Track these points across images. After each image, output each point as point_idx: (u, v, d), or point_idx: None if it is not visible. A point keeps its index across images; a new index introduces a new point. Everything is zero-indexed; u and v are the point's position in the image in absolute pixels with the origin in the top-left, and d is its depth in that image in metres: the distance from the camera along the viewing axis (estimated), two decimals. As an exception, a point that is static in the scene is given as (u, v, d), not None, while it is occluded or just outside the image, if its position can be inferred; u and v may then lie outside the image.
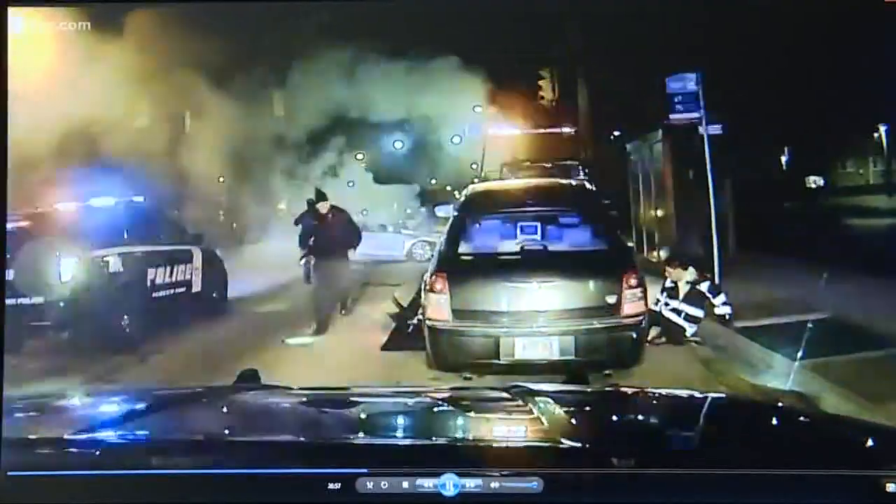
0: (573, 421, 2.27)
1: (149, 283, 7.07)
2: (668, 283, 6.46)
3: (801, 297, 6.28)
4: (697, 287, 6.38)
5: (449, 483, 2.02)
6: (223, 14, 5.61)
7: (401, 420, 2.66)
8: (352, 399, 2.97)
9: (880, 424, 3.24)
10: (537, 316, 5.46)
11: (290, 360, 6.05)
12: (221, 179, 10.24)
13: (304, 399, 2.93)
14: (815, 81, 7.59)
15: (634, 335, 5.51)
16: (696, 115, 7.37)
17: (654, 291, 6.14)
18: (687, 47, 7.22)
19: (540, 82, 11.39)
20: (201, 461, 2.11)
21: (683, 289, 6.39)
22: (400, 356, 6.12)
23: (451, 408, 2.74)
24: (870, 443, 2.28)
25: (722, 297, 6.38)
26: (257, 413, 2.76)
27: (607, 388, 3.90)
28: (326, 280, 7.22)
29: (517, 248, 6.08)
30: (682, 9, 4.36)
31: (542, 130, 10.84)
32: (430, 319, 5.62)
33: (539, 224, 6.27)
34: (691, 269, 6.48)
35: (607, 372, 5.31)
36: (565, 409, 2.35)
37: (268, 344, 6.41)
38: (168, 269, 7.32)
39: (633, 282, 5.56)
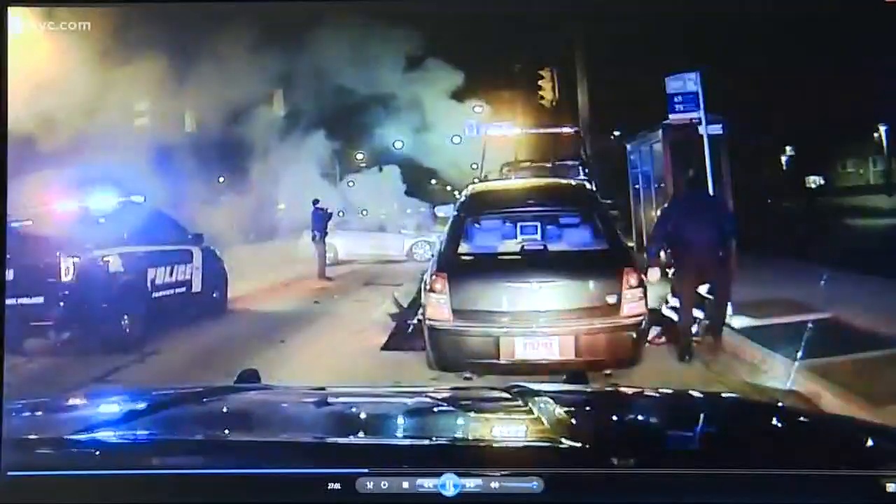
0: (573, 421, 2.27)
1: (149, 283, 7.06)
2: (671, 280, 6.45)
3: (801, 297, 6.27)
4: (697, 289, 6.36)
5: (449, 483, 2.02)
6: (224, 14, 5.60)
7: (401, 420, 2.66)
8: (352, 399, 2.97)
9: (880, 424, 3.24)
10: (537, 316, 5.46)
11: (290, 360, 6.05)
12: (221, 179, 10.24)
13: (304, 399, 2.93)
14: (815, 81, 7.59)
15: (634, 335, 5.49)
16: (696, 115, 7.37)
17: (654, 291, 6.13)
18: (687, 47, 7.21)
19: (540, 82, 11.37)
20: (201, 461, 2.11)
21: (683, 289, 6.38)
22: (400, 356, 6.12)
23: (451, 408, 2.74)
24: (870, 443, 2.28)
25: (722, 298, 6.36)
26: (257, 413, 2.76)
27: (607, 388, 3.90)
28: None
29: (517, 248, 6.07)
30: (682, 9, 4.35)
31: (542, 130, 10.83)
32: (430, 319, 5.61)
33: (539, 224, 6.26)
34: None
35: (607, 372, 5.31)
36: (565, 409, 2.35)
37: (268, 344, 6.41)
38: (168, 269, 7.31)
39: (633, 282, 5.55)
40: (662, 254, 6.52)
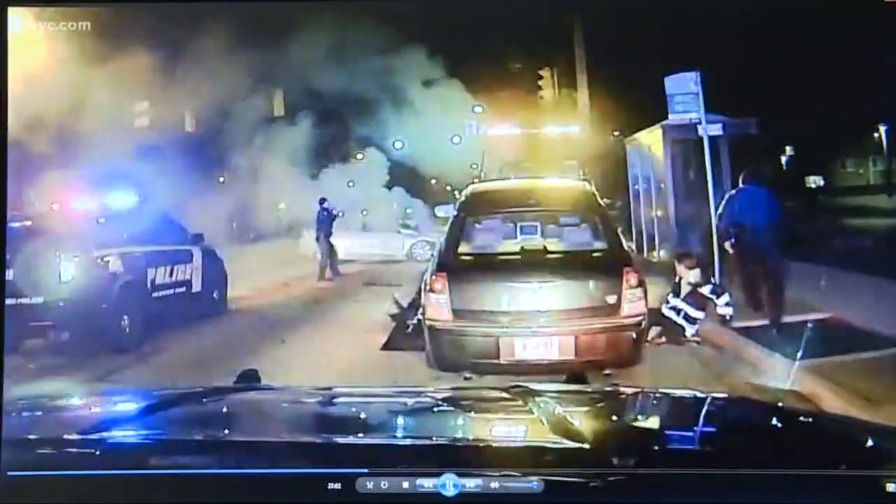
0: (573, 421, 2.27)
1: (149, 283, 7.05)
2: (674, 280, 6.46)
3: (801, 297, 6.27)
4: (700, 290, 6.37)
5: (449, 483, 2.02)
6: (225, 13, 5.60)
7: (401, 420, 2.67)
8: (352, 399, 2.97)
9: (880, 424, 3.24)
10: (537, 316, 5.46)
11: (290, 360, 6.04)
12: (222, 179, 10.23)
13: (304, 399, 2.93)
14: (815, 81, 7.58)
15: (634, 335, 5.50)
16: (695, 115, 7.38)
17: (654, 291, 6.14)
18: (687, 47, 7.20)
19: (540, 82, 11.37)
20: (201, 461, 2.11)
21: (685, 288, 6.39)
22: (400, 356, 6.12)
23: (451, 408, 2.75)
24: (870, 443, 2.28)
25: (725, 298, 6.36)
26: (257, 413, 2.76)
27: (607, 388, 3.90)
28: None
29: (517, 248, 6.08)
30: (682, 9, 4.36)
31: (542, 130, 10.82)
32: (430, 319, 5.62)
33: (539, 224, 6.27)
34: (697, 270, 6.46)
35: (607, 372, 5.31)
36: (565, 409, 2.35)
37: (268, 344, 6.41)
38: (168, 269, 7.31)
39: (633, 282, 5.56)
40: (663, 252, 6.55)
